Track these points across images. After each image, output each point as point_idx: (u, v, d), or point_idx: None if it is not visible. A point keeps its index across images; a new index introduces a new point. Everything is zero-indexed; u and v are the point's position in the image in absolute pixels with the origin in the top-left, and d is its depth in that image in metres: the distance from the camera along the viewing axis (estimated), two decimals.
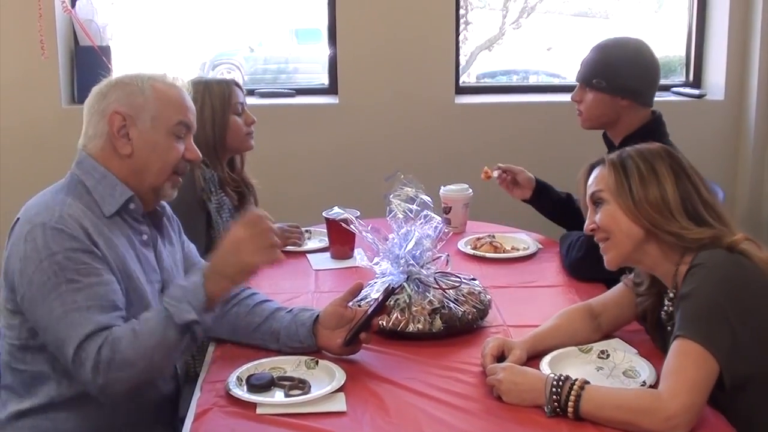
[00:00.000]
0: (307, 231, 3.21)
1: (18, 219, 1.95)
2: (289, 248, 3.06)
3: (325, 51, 4.51)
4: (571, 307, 2.30)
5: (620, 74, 2.84)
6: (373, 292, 2.32)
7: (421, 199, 2.42)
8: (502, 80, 5.39)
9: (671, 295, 2.03)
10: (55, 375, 1.94)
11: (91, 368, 1.78)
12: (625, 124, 2.89)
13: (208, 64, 5.68)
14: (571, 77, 5.28)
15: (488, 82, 5.26)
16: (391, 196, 2.43)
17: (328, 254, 3.01)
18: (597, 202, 2.07)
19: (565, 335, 2.19)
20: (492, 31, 5.17)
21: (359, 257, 2.49)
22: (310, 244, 3.14)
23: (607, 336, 2.22)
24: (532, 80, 5.55)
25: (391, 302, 2.24)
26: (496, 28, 5.18)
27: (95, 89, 2.06)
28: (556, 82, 5.38)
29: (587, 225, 2.12)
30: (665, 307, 2.07)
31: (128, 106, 2.00)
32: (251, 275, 1.94)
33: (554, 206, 3.14)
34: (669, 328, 2.04)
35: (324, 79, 4.59)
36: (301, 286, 2.73)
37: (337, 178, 4.28)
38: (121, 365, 1.79)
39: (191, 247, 2.34)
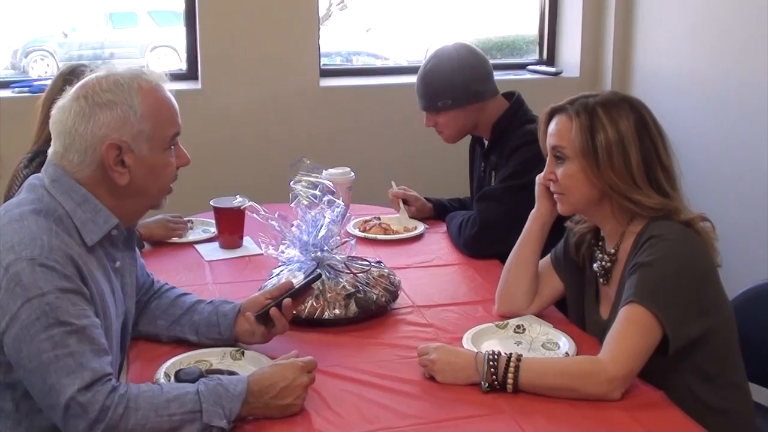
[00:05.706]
0: (188, 221, 3.13)
1: None
2: (174, 240, 2.98)
3: (141, 35, 4.37)
4: None
5: (457, 87, 2.92)
6: (284, 279, 2.29)
7: (323, 184, 2.41)
8: (324, 62, 5.41)
9: (612, 251, 2.08)
10: (16, 415, 1.80)
11: (94, 419, 1.61)
12: (486, 120, 2.99)
13: (20, 51, 5.44)
14: (393, 57, 5.42)
15: (349, 65, 5.26)
16: (293, 182, 2.41)
17: (216, 244, 2.94)
18: (559, 156, 2.07)
19: None
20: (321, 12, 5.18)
21: (271, 248, 2.42)
22: (193, 235, 3.07)
23: (540, 311, 2.28)
24: (355, 61, 5.59)
25: (316, 286, 2.22)
26: (323, 9, 5.19)
27: (71, 104, 1.82)
28: (379, 63, 5.45)
29: (546, 174, 2.13)
30: (601, 262, 2.11)
31: (121, 132, 1.80)
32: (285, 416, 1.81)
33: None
34: (602, 282, 2.12)
35: (142, 63, 4.46)
36: (197, 277, 2.66)
37: (206, 166, 4.17)
38: (132, 427, 1.63)
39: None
